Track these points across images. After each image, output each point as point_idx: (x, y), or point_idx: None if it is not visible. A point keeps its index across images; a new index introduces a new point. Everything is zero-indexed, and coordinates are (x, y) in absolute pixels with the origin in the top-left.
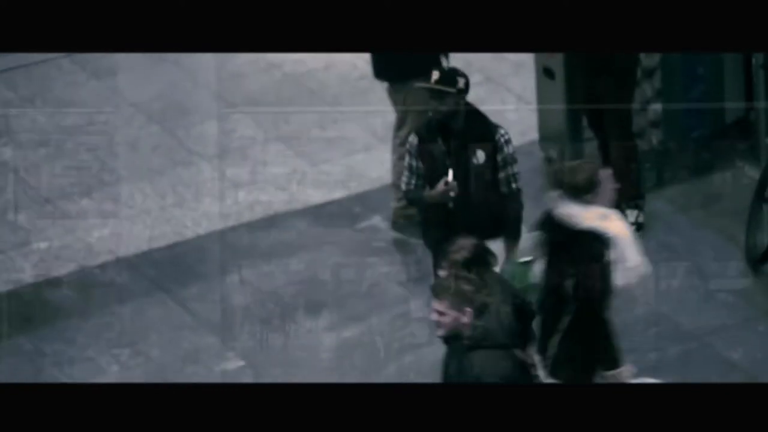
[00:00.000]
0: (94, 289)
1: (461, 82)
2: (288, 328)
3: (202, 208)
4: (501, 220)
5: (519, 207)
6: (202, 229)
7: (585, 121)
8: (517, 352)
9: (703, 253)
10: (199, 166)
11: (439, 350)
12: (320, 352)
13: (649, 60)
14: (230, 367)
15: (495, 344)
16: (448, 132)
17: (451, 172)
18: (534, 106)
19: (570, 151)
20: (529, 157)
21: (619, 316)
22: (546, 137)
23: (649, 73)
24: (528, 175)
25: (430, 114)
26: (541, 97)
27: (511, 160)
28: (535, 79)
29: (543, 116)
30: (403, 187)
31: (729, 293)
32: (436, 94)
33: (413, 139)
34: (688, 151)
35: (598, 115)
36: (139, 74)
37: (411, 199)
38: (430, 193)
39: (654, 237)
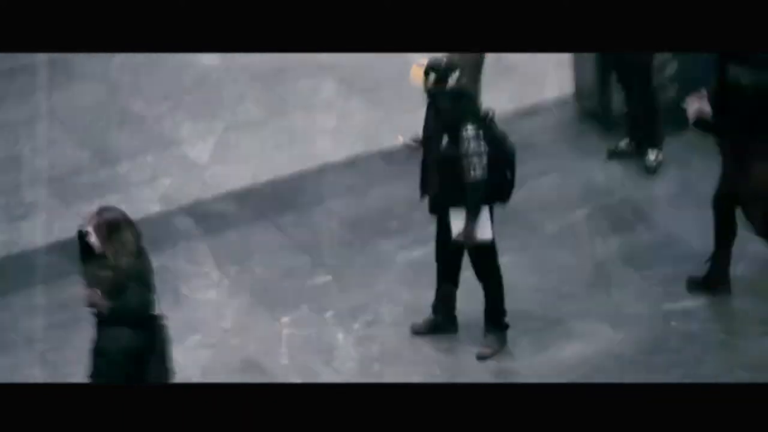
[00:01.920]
0: (209, 217)
1: (452, 78)
2: (366, 249)
3: (296, 151)
4: (457, 192)
5: (474, 191)
6: (296, 169)
7: (614, 76)
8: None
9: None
10: (294, 115)
11: None
12: (393, 269)
13: None
14: (319, 281)
15: (121, 322)
16: (435, 106)
17: (402, 138)
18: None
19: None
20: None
21: (642, 236)
22: (580, 91)
23: None
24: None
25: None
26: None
27: (472, 153)
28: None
29: (578, 71)
30: None
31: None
32: (434, 90)
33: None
34: None
35: (625, 69)
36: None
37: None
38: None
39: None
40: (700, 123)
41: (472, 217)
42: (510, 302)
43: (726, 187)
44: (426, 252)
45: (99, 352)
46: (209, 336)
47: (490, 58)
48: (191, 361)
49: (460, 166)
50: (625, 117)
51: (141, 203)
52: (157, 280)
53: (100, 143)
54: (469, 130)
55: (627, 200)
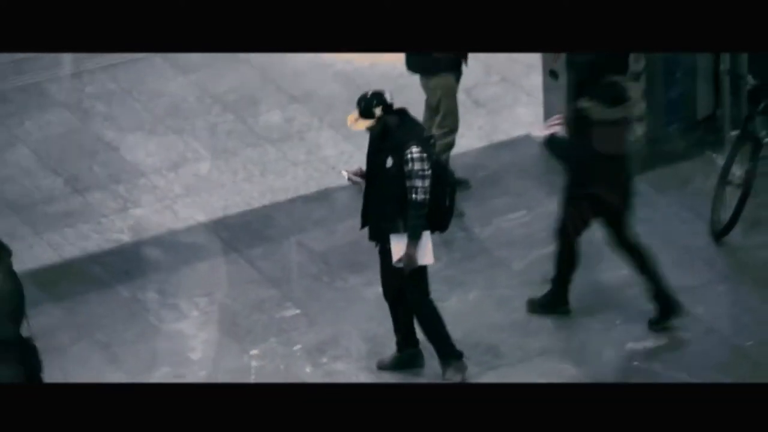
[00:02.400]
0: (178, 248)
1: (378, 111)
2: (335, 283)
3: (267, 183)
4: (399, 217)
5: (416, 213)
6: (267, 201)
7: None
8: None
9: (675, 225)
10: (265, 147)
11: None
12: (362, 304)
13: (635, 65)
14: (287, 314)
15: None
16: (382, 134)
17: (346, 172)
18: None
19: None
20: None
21: (604, 275)
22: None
23: (636, 77)
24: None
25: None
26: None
27: (414, 175)
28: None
29: (548, 108)
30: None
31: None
32: (365, 127)
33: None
34: (667, 141)
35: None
36: (216, 70)
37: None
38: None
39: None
40: (551, 145)
41: (413, 240)
42: (476, 338)
43: (568, 214)
44: None
45: None
46: (178, 367)
47: (461, 94)
48: None
49: (402, 189)
50: None
51: (112, 233)
52: (127, 311)
53: (72, 171)
54: (414, 151)
55: (591, 240)
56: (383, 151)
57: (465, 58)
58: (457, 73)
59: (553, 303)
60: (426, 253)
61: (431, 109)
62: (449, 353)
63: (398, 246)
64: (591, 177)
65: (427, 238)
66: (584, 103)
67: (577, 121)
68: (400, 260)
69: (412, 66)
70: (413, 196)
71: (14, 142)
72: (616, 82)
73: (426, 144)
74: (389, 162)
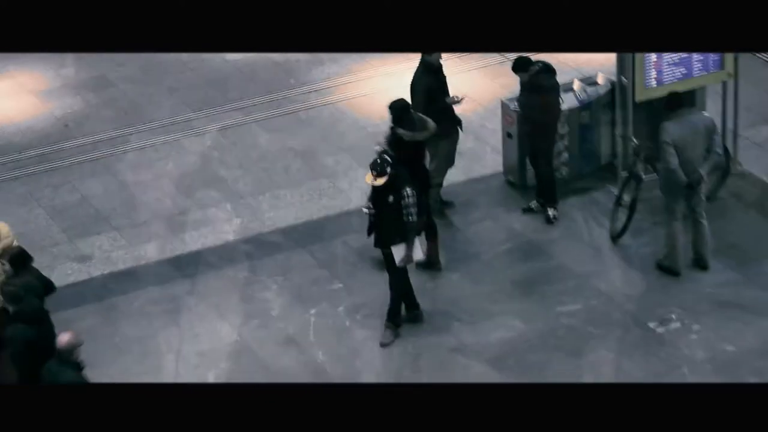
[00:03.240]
0: (264, 245)
1: (389, 169)
2: (365, 268)
3: (322, 203)
4: (400, 233)
5: (411, 229)
6: (323, 214)
7: (527, 160)
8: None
9: (587, 231)
10: (321, 181)
11: None
12: (382, 280)
13: (562, 129)
14: (334, 287)
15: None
16: (386, 183)
17: (368, 206)
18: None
19: None
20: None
21: (541, 265)
22: (508, 169)
23: (560, 137)
24: None
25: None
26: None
27: (408, 204)
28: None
29: (506, 155)
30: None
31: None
32: (380, 184)
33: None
34: (582, 178)
35: (533, 156)
36: (291, 130)
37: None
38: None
39: (562, 223)
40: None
41: (410, 246)
42: (458, 302)
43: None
44: None
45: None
46: (264, 320)
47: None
48: (256, 335)
49: (399, 215)
50: (535, 187)
51: (221, 234)
52: (230, 284)
53: (197, 196)
54: (408, 191)
55: (531, 241)
56: (386, 191)
57: (460, 125)
58: (454, 137)
59: (431, 264)
60: (417, 253)
61: (432, 156)
62: (394, 321)
63: (399, 251)
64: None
65: (418, 243)
66: (399, 130)
67: (395, 141)
68: (402, 260)
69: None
70: (409, 218)
71: (161, 177)
72: (421, 117)
73: (412, 185)
74: (391, 198)
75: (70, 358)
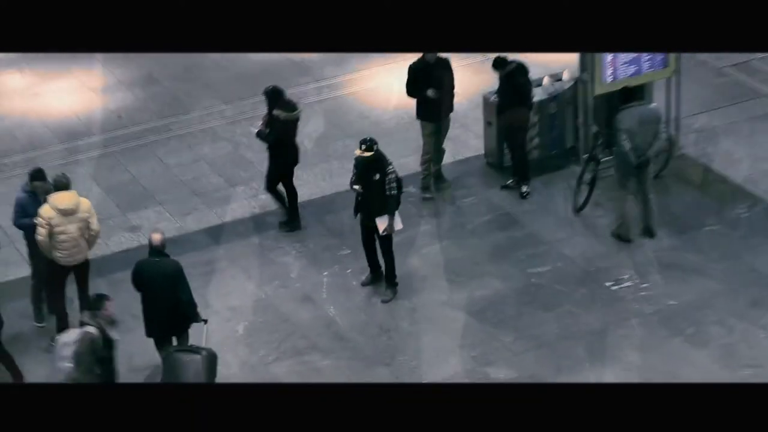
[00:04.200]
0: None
1: (376, 147)
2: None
3: (333, 181)
4: (385, 206)
5: (393, 201)
6: (333, 191)
7: (505, 143)
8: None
9: (554, 204)
10: (332, 162)
11: None
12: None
13: (533, 118)
14: (343, 253)
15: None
16: (373, 159)
17: (358, 186)
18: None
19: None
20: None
21: (515, 234)
22: (488, 151)
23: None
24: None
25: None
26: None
27: (389, 181)
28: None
29: (486, 141)
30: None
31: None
32: (368, 158)
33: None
34: (550, 159)
35: (510, 140)
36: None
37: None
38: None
39: (534, 197)
40: (258, 134)
41: (391, 217)
42: (446, 264)
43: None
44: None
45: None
46: (283, 280)
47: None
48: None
49: (383, 190)
50: (511, 167)
51: (249, 208)
52: (251, 250)
53: (228, 175)
54: (390, 167)
55: (508, 213)
56: (372, 170)
57: (439, 117)
58: (441, 123)
59: (288, 225)
60: (398, 223)
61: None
62: (393, 282)
63: (382, 222)
64: (282, 153)
65: (398, 214)
66: (275, 111)
67: (271, 121)
68: (385, 230)
69: (419, 116)
70: (391, 192)
71: (198, 159)
72: (291, 100)
73: (390, 164)
74: (377, 176)
75: (163, 250)
